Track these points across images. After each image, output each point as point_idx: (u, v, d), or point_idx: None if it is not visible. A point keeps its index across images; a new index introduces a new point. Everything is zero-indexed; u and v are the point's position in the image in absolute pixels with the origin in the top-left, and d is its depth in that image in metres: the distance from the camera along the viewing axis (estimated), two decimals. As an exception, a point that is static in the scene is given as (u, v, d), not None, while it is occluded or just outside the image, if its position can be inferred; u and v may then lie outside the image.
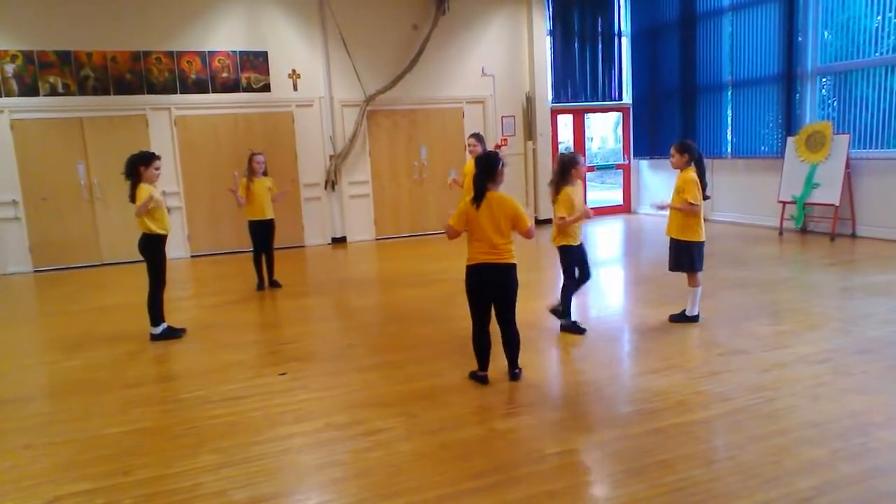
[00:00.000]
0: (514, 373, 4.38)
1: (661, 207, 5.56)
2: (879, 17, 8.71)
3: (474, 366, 4.38)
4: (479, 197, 4.11)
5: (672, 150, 5.43)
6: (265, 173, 7.72)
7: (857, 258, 7.86)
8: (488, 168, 4.15)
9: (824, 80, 9.67)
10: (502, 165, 4.22)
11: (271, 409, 4.09)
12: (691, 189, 5.25)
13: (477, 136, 7.26)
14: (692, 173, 5.31)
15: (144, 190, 5.57)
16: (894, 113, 8.62)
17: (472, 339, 4.34)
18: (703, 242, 5.41)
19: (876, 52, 8.77)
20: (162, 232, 5.72)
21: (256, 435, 3.71)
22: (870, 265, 7.36)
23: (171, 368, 5.08)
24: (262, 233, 7.70)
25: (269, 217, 7.68)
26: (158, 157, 5.83)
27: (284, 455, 3.45)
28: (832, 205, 9.05)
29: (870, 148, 8.95)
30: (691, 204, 5.25)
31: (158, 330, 5.83)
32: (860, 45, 8.98)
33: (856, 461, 3.07)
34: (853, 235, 9.09)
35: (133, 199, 5.61)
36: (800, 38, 9.67)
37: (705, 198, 5.35)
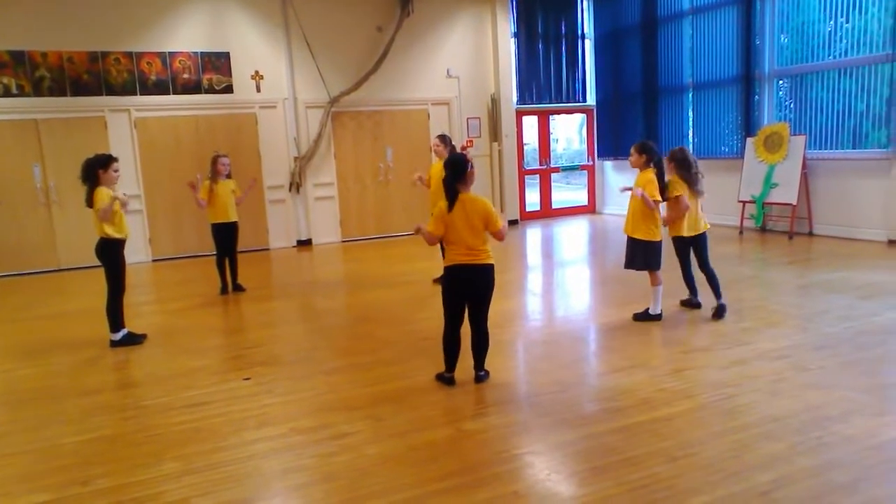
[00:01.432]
0: (479, 375, 4.39)
1: (626, 189, 5.61)
2: (832, 22, 8.96)
3: (441, 367, 4.37)
4: (452, 200, 4.14)
5: (632, 150, 5.53)
6: (229, 175, 7.59)
7: (813, 256, 8.06)
8: (458, 170, 4.16)
9: (781, 82, 9.90)
10: (471, 167, 4.23)
11: (235, 414, 4.03)
12: (651, 188, 5.34)
13: (442, 138, 7.25)
14: (651, 174, 5.40)
15: (103, 193, 5.44)
16: (847, 114, 8.87)
17: (442, 339, 4.33)
18: (659, 242, 5.50)
19: (829, 55, 9.02)
20: (120, 236, 5.60)
21: (220, 441, 3.65)
22: (826, 263, 7.56)
23: (133, 375, 4.98)
24: (226, 236, 7.58)
25: (232, 220, 7.57)
26: (116, 160, 5.70)
27: (249, 461, 3.41)
28: (790, 204, 9.27)
29: (825, 149, 9.19)
30: (654, 200, 5.33)
31: (118, 336, 5.71)
32: (814, 48, 9.22)
33: (813, 455, 3.15)
34: (810, 234, 9.33)
35: (90, 203, 5.47)
36: (757, 42, 9.89)
37: (665, 198, 5.44)
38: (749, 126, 10.13)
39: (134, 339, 5.76)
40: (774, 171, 9.48)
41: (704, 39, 10.79)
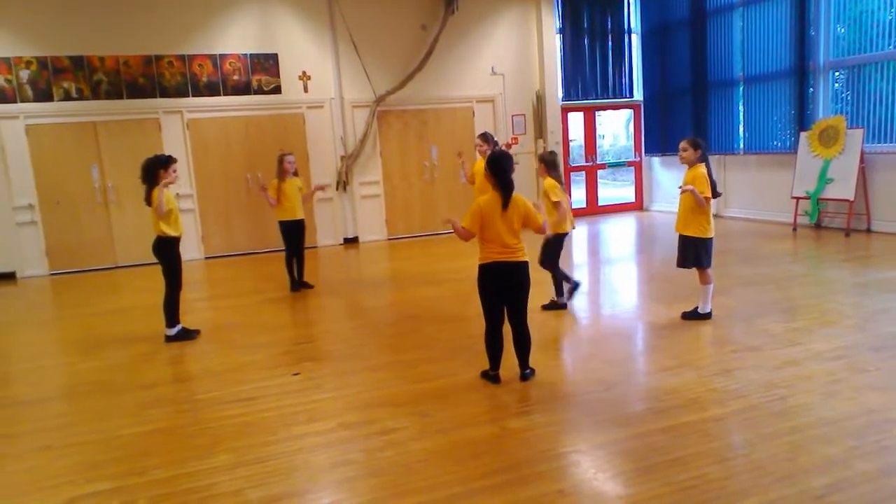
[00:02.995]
0: (525, 373, 4.37)
1: (685, 190, 5.41)
2: (893, 11, 8.61)
3: (486, 365, 4.38)
4: (507, 199, 4.12)
5: (685, 145, 5.38)
6: (296, 173, 7.76)
7: (872, 254, 7.79)
8: (507, 167, 4.16)
9: (837, 74, 9.58)
10: (513, 162, 4.29)
11: (285, 409, 4.12)
12: (702, 184, 5.23)
13: (484, 136, 7.23)
14: (702, 169, 5.29)
15: (161, 193, 5.63)
16: (909, 106, 8.53)
17: (484, 338, 4.34)
18: (710, 239, 5.38)
19: (890, 45, 8.68)
20: (175, 234, 5.78)
21: (270, 435, 3.74)
22: (885, 261, 7.29)
23: (186, 369, 5.13)
24: (294, 233, 7.66)
25: (300, 217, 7.65)
26: (175, 160, 5.89)
27: (298, 455, 3.48)
28: (847, 200, 8.97)
29: (884, 142, 8.86)
30: (705, 197, 5.23)
31: (173, 331, 5.89)
32: (874, 38, 8.88)
33: (871, 459, 3.05)
34: (868, 231, 9.01)
35: (149, 202, 5.66)
36: (812, 33, 9.59)
37: (716, 195, 5.33)
38: (803, 120, 9.83)
39: (188, 335, 5.94)
40: (830, 166, 9.18)
41: (756, 32, 10.51)
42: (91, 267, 10.10)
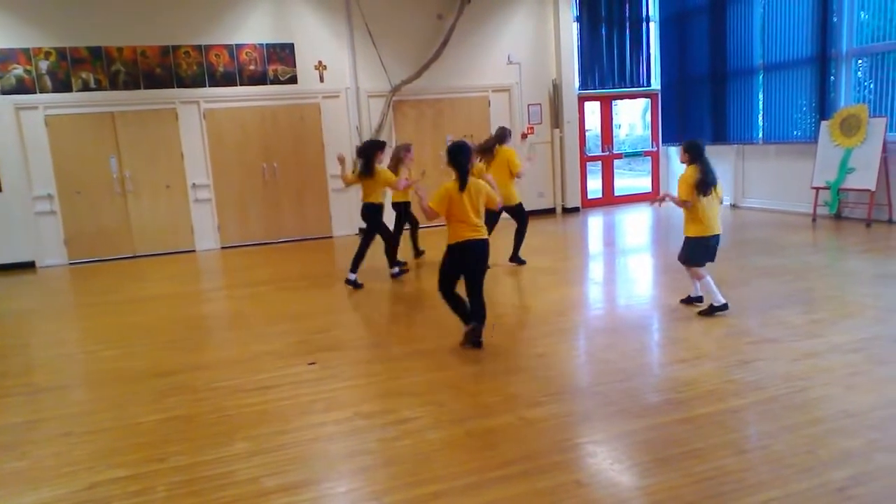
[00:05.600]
0: (477, 341, 4.81)
1: (657, 201, 5.69)
2: (918, -4, 8.45)
3: (506, 355, 4.42)
4: (464, 183, 4.68)
5: (680, 150, 5.54)
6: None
7: (893, 245, 7.67)
8: (467, 158, 4.76)
9: (860, 61, 9.41)
10: (472, 153, 4.98)
11: (301, 398, 4.14)
12: (681, 187, 5.27)
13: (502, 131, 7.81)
14: (690, 171, 5.29)
15: (388, 171, 7.20)
16: (933, 95, 8.38)
17: (447, 303, 4.87)
18: (698, 238, 5.35)
19: (914, 32, 8.52)
20: (379, 202, 7.29)
21: (287, 424, 3.76)
22: (907, 252, 7.19)
23: (205, 358, 5.17)
24: (406, 211, 8.22)
25: (408, 200, 8.11)
26: (385, 144, 7.55)
27: (314, 443, 3.50)
28: (868, 190, 8.83)
29: (908, 131, 8.71)
30: (682, 201, 5.29)
31: (395, 269, 7.58)
32: (898, 25, 8.72)
33: (893, 452, 3.01)
34: (890, 221, 8.88)
35: (370, 174, 7.04)
36: (834, 19, 9.42)
37: (706, 192, 5.23)
38: (824, 109, 9.68)
39: (356, 286, 7.11)
40: (851, 156, 9.05)
41: (776, 18, 10.35)
42: (110, 256, 10.20)
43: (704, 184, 5.23)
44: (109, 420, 4.00)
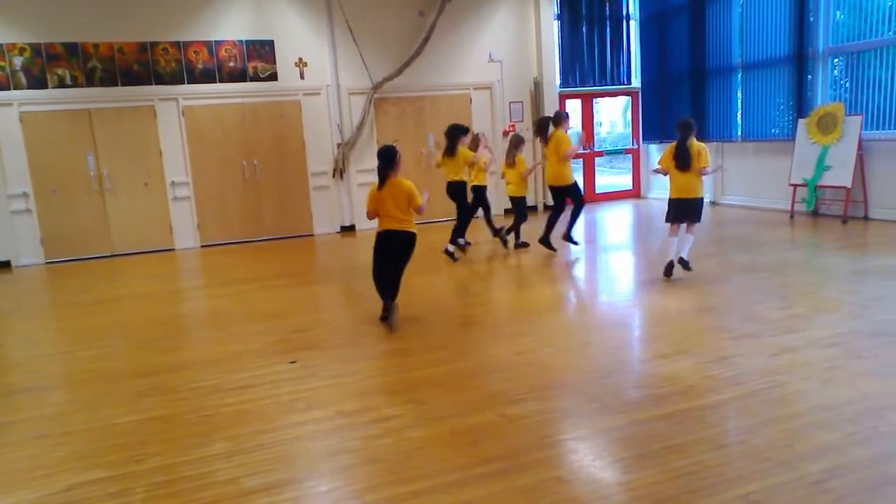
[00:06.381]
0: (386, 310, 5.48)
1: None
2: (893, -4, 8.58)
3: (487, 353, 4.41)
4: (382, 182, 5.43)
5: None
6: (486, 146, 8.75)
7: (869, 241, 7.79)
8: (390, 160, 5.43)
9: (836, 60, 9.54)
10: (399, 157, 5.51)
11: (282, 397, 4.11)
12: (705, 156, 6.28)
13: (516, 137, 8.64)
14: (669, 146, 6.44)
15: (469, 152, 8.02)
16: (908, 93, 8.51)
17: (374, 282, 5.59)
18: (671, 199, 6.54)
19: (890, 31, 8.64)
20: (464, 179, 8.16)
21: (268, 423, 3.73)
22: (882, 248, 7.30)
23: (183, 357, 5.11)
24: (482, 196, 8.71)
25: (485, 184, 8.74)
26: (469, 131, 8.36)
27: (295, 442, 3.48)
28: (844, 187, 8.96)
29: (883, 129, 8.84)
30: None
31: (452, 247, 8.02)
32: (873, 24, 8.84)
33: (868, 445, 3.06)
34: (865, 218, 9.01)
35: (453, 154, 7.95)
36: (811, 18, 9.53)
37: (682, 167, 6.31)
38: (801, 107, 9.80)
39: (452, 258, 7.92)
40: (828, 153, 9.17)
41: (754, 18, 10.45)
42: (87, 255, 10.07)
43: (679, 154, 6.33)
44: (86, 421, 3.94)
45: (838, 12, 9.35)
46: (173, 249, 10.42)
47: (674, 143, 6.34)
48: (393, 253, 5.51)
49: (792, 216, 9.69)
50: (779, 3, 9.98)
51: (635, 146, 13.56)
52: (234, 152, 10.69)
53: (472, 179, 8.59)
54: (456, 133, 8.02)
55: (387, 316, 5.45)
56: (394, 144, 5.77)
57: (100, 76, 9.92)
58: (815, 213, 9.63)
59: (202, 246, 10.63)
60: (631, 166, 13.85)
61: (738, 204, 11.16)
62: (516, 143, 8.47)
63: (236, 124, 10.67)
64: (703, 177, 6.35)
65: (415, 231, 5.51)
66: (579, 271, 7.63)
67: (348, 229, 11.43)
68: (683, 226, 6.50)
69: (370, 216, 5.55)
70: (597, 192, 13.54)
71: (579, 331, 5.26)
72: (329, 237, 11.04)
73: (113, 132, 10.05)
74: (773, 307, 5.35)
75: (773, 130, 10.46)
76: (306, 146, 11.05)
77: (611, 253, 8.56)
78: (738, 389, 3.76)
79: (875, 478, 2.79)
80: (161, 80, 10.21)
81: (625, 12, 12.87)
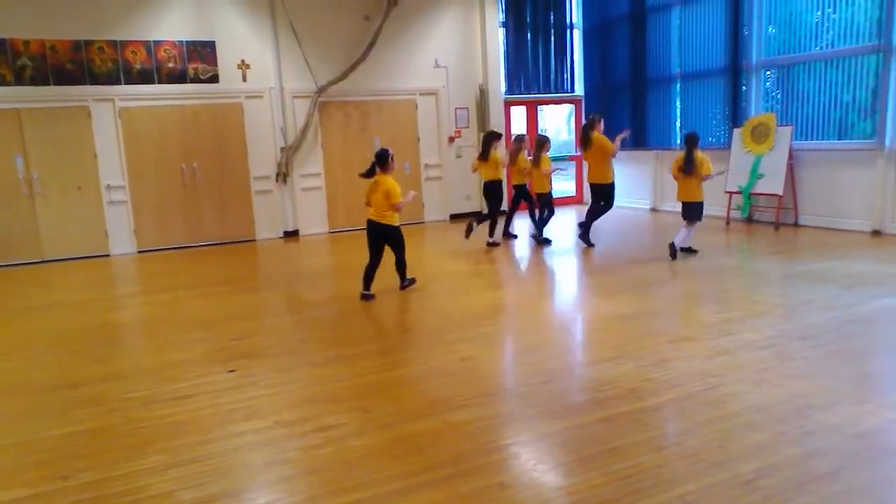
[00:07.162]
0: (402, 284, 6.68)
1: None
2: (819, 13, 8.97)
3: (431, 359, 4.42)
4: (370, 175, 6.39)
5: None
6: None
7: (799, 247, 8.11)
8: (381, 159, 6.36)
9: (769, 72, 9.92)
10: (392, 158, 6.41)
11: (220, 407, 4.00)
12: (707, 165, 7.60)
13: (519, 138, 9.34)
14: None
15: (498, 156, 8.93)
16: (833, 105, 8.91)
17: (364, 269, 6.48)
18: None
19: (816, 46, 9.04)
20: (499, 178, 9.11)
21: (205, 434, 3.63)
22: (811, 253, 7.60)
23: (116, 367, 4.93)
24: (525, 194, 9.39)
25: (524, 182, 9.36)
26: (500, 136, 9.31)
27: (234, 454, 3.39)
28: (776, 195, 9.31)
29: (811, 139, 9.23)
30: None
31: (541, 236, 9.09)
32: (802, 39, 9.23)
33: (796, 444, 3.17)
34: (796, 224, 9.38)
35: (487, 157, 8.90)
36: (745, 32, 9.90)
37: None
38: (736, 117, 10.15)
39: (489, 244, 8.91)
40: (761, 162, 9.51)
41: (692, 30, 10.79)
42: (15, 261, 9.60)
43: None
44: (9, 436, 3.75)
45: (770, 27, 9.73)
46: (108, 255, 10.05)
47: (682, 153, 7.57)
48: (373, 239, 6.43)
49: (728, 222, 10.01)
50: (715, 17, 10.32)
51: (579, 153, 13.76)
52: (174, 155, 10.40)
53: (515, 179, 9.36)
54: (489, 139, 9.01)
55: (366, 297, 6.43)
56: (387, 148, 6.60)
57: (30, 75, 9.50)
58: (749, 220, 9.98)
59: (139, 252, 10.29)
60: (574, 173, 14.07)
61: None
62: (541, 143, 9.00)
63: (176, 127, 10.38)
64: (703, 182, 7.57)
65: (392, 223, 6.35)
66: (525, 276, 7.69)
67: (291, 235, 11.25)
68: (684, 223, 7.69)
69: (365, 204, 6.48)
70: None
71: (523, 336, 5.29)
72: (272, 242, 10.84)
73: (44, 133, 9.63)
74: (709, 311, 5.50)
75: (710, 139, 10.79)
76: (249, 150, 10.83)
77: (554, 258, 8.66)
78: (675, 392, 3.85)
79: (802, 475, 2.89)
80: (96, 80, 9.85)
81: (568, 21, 13.10)
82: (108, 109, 9.97)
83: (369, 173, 6.40)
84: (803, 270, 6.76)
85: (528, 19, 12.72)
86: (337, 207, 11.55)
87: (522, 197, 9.39)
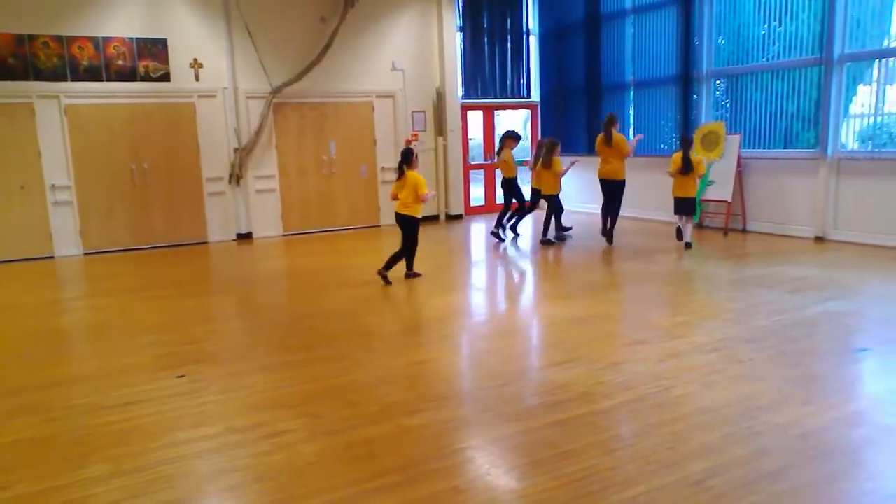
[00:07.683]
0: (407, 274, 7.25)
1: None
2: (766, 26, 9.25)
3: (386, 363, 4.43)
4: (401, 173, 6.98)
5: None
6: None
7: (747, 252, 8.33)
8: (407, 157, 6.96)
9: (718, 82, 10.18)
10: (416, 156, 7.03)
11: (168, 413, 3.89)
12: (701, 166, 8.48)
13: (513, 135, 9.99)
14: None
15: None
16: (779, 115, 9.19)
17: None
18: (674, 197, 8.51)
19: (763, 57, 9.31)
20: (513, 175, 9.85)
21: (152, 441, 3.52)
22: (758, 258, 7.82)
23: (59, 373, 4.75)
24: (545, 197, 9.61)
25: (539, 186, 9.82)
26: (519, 138, 9.93)
27: (181, 462, 3.29)
28: (725, 201, 9.55)
29: (758, 148, 9.51)
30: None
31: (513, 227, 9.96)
32: (749, 50, 9.50)
33: (744, 444, 3.24)
34: (744, 230, 9.64)
35: (497, 155, 9.94)
36: (696, 42, 10.14)
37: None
38: (687, 124, 10.38)
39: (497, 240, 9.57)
40: (711, 169, 9.74)
41: (645, 39, 11.00)
42: (-48, 263, 9.21)
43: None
44: (-59, 446, 3.58)
45: (720, 38, 9.99)
46: (53, 257, 9.71)
47: (679, 154, 8.33)
48: (401, 229, 7.14)
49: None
50: (667, 27, 10.55)
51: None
52: (123, 155, 10.12)
53: (531, 182, 9.92)
54: (503, 141, 9.88)
55: (382, 273, 7.04)
56: (411, 146, 7.44)
57: (-31, 69, 9.14)
58: (700, 226, 10.20)
59: (85, 254, 9.97)
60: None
61: (629, 216, 11.63)
62: (552, 146, 9.31)
63: (125, 126, 10.10)
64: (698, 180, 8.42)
65: (415, 215, 7.03)
66: (480, 281, 7.71)
67: (245, 237, 11.06)
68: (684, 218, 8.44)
69: (391, 198, 7.23)
70: (498, 202, 13.70)
71: (479, 339, 5.30)
72: (224, 245, 10.63)
73: (-16, 130, 9.27)
74: (661, 314, 5.60)
75: (662, 146, 11.01)
76: (201, 150, 10.61)
77: (509, 263, 8.71)
78: (627, 395, 3.89)
79: (750, 474, 2.95)
80: (41, 76, 9.52)
81: (525, 27, 13.21)
82: (52, 106, 9.64)
83: (400, 172, 6.98)
84: (751, 275, 6.94)
85: (486, 24, 12.80)
86: (291, 210, 11.40)
87: (509, 192, 9.93)
